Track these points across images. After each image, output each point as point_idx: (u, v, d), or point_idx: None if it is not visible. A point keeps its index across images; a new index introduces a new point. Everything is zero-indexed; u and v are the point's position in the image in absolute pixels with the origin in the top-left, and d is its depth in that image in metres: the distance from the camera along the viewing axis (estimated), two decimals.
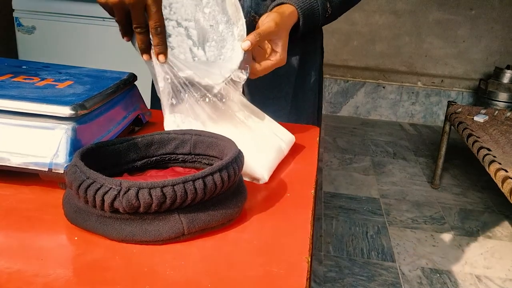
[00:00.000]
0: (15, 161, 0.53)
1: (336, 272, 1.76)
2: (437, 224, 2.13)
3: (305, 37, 0.88)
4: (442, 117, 3.28)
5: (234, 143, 0.57)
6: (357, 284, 1.70)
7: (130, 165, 0.59)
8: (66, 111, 0.53)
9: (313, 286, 1.66)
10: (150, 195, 0.46)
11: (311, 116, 1.00)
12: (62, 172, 0.53)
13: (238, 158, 0.54)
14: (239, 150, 0.55)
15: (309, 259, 0.47)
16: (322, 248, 1.90)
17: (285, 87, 0.94)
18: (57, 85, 0.62)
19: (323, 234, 2.00)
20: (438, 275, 1.78)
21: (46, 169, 0.53)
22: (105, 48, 2.14)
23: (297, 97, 0.95)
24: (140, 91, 0.76)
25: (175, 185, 0.47)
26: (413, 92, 3.51)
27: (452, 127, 2.31)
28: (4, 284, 0.41)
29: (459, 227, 2.13)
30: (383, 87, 3.52)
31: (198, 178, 0.48)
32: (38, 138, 0.53)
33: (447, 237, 2.04)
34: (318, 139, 0.80)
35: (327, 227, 2.06)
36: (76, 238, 0.48)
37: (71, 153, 0.54)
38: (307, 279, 0.44)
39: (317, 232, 2.00)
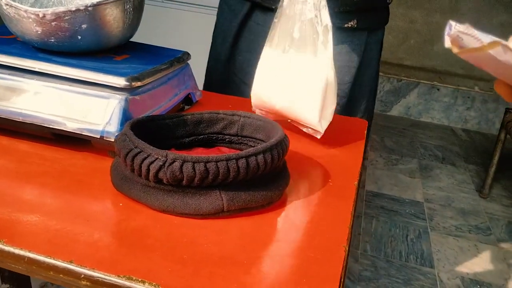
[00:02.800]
0: (70, 126, 0.56)
1: (372, 272, 1.74)
2: (482, 235, 2.06)
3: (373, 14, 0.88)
4: (498, 125, 3.13)
5: (280, 127, 0.57)
6: (392, 286, 1.67)
7: (178, 141, 0.60)
8: (121, 82, 0.55)
9: (347, 283, 1.65)
10: (194, 169, 0.47)
11: (363, 112, 0.99)
12: (113, 140, 0.55)
13: (283, 142, 0.54)
14: (285, 135, 0.55)
15: (347, 248, 0.46)
16: (359, 247, 1.88)
17: (346, 77, 0.93)
18: (114, 57, 0.64)
19: (362, 233, 1.97)
20: (478, 286, 1.72)
21: (98, 136, 0.55)
22: (161, 27, 2.18)
23: (354, 90, 0.94)
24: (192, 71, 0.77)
25: (218, 161, 0.47)
26: (469, 97, 3.37)
27: (508, 135, 2.21)
28: (52, 239, 0.43)
29: (505, 240, 2.04)
30: (438, 89, 3.41)
31: (242, 157, 0.48)
32: (93, 106, 0.56)
33: (491, 249, 1.97)
34: (365, 132, 0.78)
35: (367, 226, 2.03)
36: (121, 204, 0.50)
37: (123, 123, 0.56)
38: (343, 268, 0.43)
39: (355, 229, 1.98)
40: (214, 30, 1.06)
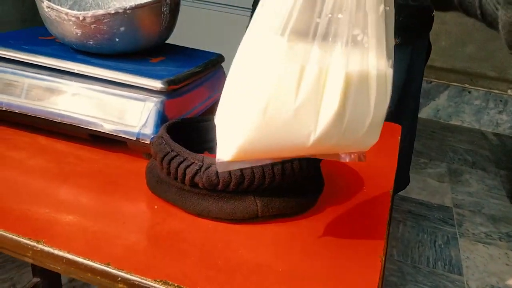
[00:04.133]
0: (107, 128, 0.56)
1: (398, 277, 1.71)
2: None
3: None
4: None
5: None
6: None
7: (211, 144, 0.60)
8: (157, 84, 0.55)
9: None
10: (230, 174, 0.46)
11: (409, 126, 0.97)
12: (148, 142, 0.56)
13: None
14: None
15: (383, 259, 0.45)
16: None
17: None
18: (150, 59, 0.65)
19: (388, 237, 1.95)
20: None
21: (134, 138, 0.56)
22: (194, 28, 2.19)
23: (400, 103, 0.93)
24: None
25: (254, 167, 0.47)
26: (501, 100, 3.29)
27: None
28: (90, 241, 0.44)
29: None
30: (469, 92, 3.34)
31: (277, 163, 0.48)
32: (130, 108, 0.56)
33: None
34: (399, 137, 0.77)
35: (393, 230, 2.00)
36: (156, 207, 0.50)
37: (158, 125, 0.56)
38: (380, 278, 0.43)
39: None
40: None
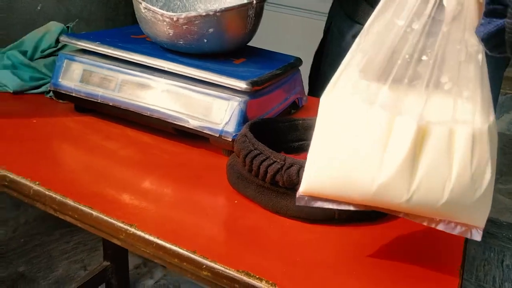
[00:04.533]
0: (193, 124, 0.59)
1: None
2: None
3: None
4: None
5: None
6: None
7: (288, 144, 0.62)
8: (242, 85, 0.57)
9: None
10: None
11: None
12: (230, 139, 0.58)
13: None
14: None
15: (461, 271, 0.45)
16: None
17: None
18: (233, 60, 0.67)
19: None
20: None
21: (217, 135, 0.58)
22: (269, 31, 2.21)
23: None
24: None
25: None
26: None
27: None
28: (177, 229, 0.46)
29: None
30: None
31: None
32: (215, 106, 0.59)
33: None
34: None
35: None
36: (236, 201, 0.52)
37: (240, 124, 0.58)
38: None
39: None
40: (319, 49, 1.03)
